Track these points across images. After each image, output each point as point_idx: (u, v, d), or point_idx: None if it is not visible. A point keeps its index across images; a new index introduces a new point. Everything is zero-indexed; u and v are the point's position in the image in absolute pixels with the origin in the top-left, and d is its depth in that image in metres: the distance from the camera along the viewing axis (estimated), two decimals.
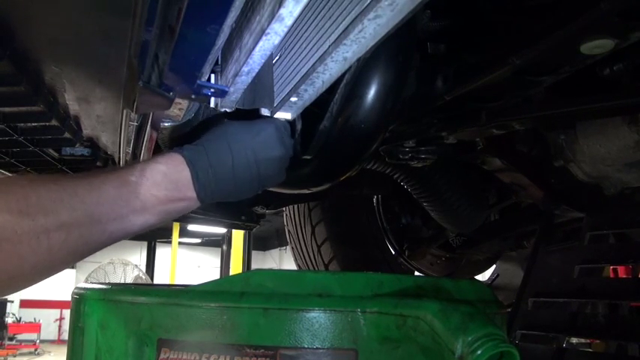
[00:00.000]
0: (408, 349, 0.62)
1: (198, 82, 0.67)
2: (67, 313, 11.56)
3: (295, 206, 2.32)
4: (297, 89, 0.71)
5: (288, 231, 2.43)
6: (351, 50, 0.59)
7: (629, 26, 0.77)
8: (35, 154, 1.17)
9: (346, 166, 0.96)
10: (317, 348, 0.63)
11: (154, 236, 14.55)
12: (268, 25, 0.53)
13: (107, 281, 8.28)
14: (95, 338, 0.74)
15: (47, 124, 1.00)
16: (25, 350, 11.85)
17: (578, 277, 1.35)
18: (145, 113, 0.87)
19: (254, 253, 10.85)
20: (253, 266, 9.69)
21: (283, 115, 0.82)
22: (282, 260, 16.64)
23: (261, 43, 0.57)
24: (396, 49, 0.87)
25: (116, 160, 1.25)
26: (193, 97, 0.70)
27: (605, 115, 1.22)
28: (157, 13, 0.55)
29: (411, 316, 0.59)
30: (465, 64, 1.02)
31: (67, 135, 1.07)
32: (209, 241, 15.74)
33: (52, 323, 13.73)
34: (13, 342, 12.05)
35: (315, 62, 0.64)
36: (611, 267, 2.11)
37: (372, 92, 0.85)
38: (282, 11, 0.51)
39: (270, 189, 1.04)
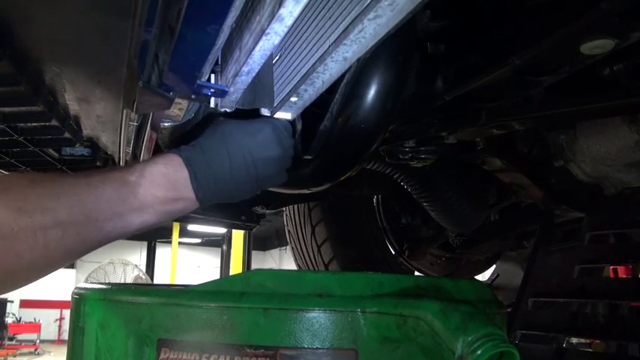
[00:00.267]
0: (408, 349, 0.62)
1: (198, 82, 0.67)
2: (67, 313, 11.56)
3: (295, 206, 2.31)
4: (297, 89, 0.71)
5: (288, 231, 2.42)
6: (351, 50, 0.59)
7: (629, 26, 0.77)
8: (35, 154, 1.17)
9: (347, 166, 0.96)
10: (317, 348, 0.63)
11: (154, 236, 14.57)
12: (268, 25, 0.53)
13: (107, 281, 8.28)
14: (95, 338, 0.74)
15: (47, 124, 1.00)
16: (25, 350, 11.85)
17: (578, 277, 1.34)
18: (145, 113, 0.87)
19: (254, 253, 10.86)
20: (253, 266, 9.70)
21: (283, 115, 0.82)
22: (282, 260, 16.63)
23: (261, 43, 0.57)
24: (396, 49, 0.87)
25: (116, 160, 1.25)
26: (193, 97, 0.70)
27: (605, 115, 1.22)
28: (156, 13, 0.55)
29: (411, 316, 0.59)
30: (464, 64, 1.02)
31: (67, 135, 1.07)
32: (209, 241, 15.74)
33: (52, 323, 13.74)
34: (13, 342, 12.06)
35: (315, 62, 0.64)
36: (611, 267, 2.11)
37: (372, 92, 0.85)
38: (282, 11, 0.51)
39: (271, 189, 1.04)
